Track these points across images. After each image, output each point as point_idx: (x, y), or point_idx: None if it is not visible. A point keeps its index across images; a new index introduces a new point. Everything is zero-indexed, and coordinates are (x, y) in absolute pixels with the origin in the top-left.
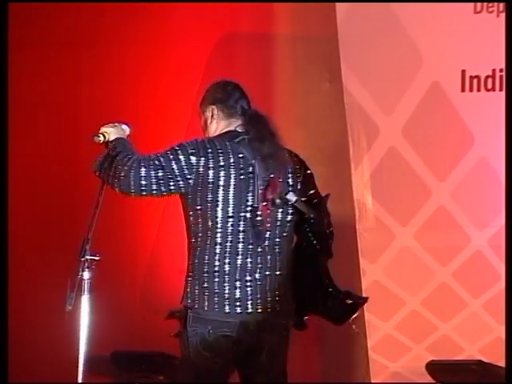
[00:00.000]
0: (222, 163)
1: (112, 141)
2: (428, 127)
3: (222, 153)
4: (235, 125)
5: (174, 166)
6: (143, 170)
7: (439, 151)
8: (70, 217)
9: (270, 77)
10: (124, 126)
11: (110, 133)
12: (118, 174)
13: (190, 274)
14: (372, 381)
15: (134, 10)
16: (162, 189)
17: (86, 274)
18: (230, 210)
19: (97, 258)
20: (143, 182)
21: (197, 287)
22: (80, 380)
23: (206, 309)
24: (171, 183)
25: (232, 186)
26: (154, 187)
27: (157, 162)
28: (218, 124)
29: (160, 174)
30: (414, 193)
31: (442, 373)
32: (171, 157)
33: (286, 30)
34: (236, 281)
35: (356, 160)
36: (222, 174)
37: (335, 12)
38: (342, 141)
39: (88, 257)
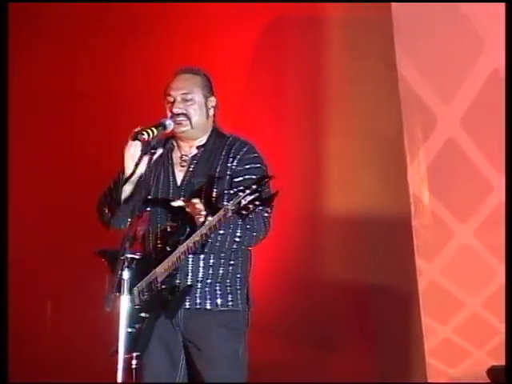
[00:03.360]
0: None
1: None
2: (488, 117)
3: None
4: None
5: None
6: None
7: (500, 142)
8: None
9: (322, 62)
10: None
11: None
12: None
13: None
14: None
15: None
16: None
17: (126, 274)
18: None
19: (137, 257)
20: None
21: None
22: (119, 380)
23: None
24: None
25: None
26: None
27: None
28: (214, 116)
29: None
30: (473, 187)
31: (505, 379)
32: None
33: (339, 15)
34: None
35: (412, 152)
36: None
37: None
38: (398, 131)
39: (128, 255)
